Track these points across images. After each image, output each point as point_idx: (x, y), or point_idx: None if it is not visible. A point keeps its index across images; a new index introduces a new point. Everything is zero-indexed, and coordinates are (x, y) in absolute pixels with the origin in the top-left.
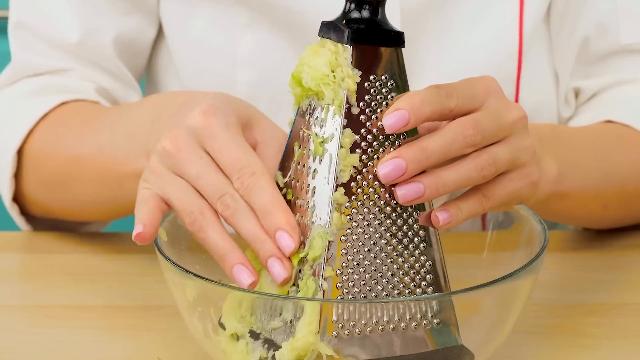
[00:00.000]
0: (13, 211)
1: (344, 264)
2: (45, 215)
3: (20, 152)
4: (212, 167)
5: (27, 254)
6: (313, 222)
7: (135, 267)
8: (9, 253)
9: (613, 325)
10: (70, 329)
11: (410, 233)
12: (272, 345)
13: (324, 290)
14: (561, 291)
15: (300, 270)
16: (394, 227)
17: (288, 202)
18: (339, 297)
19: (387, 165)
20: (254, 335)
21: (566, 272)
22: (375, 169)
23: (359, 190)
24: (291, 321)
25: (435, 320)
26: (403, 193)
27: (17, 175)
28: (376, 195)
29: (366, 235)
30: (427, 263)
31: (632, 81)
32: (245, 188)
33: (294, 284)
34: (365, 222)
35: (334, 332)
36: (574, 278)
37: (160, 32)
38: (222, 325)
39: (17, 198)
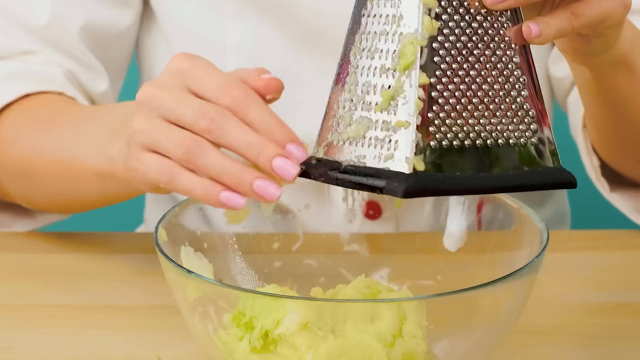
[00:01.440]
0: None
1: (438, 72)
2: (3, 198)
3: None
4: (188, 94)
5: (27, 254)
6: (401, 32)
7: (136, 267)
8: (8, 253)
9: (613, 325)
10: (70, 329)
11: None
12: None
13: (419, 98)
14: (561, 291)
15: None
16: (488, 51)
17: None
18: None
19: None
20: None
21: (566, 272)
22: None
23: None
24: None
25: (533, 139)
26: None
27: None
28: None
29: (460, 45)
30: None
31: None
32: (238, 104)
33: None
34: (458, 30)
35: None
36: (574, 278)
37: (151, 20)
38: None
39: None
